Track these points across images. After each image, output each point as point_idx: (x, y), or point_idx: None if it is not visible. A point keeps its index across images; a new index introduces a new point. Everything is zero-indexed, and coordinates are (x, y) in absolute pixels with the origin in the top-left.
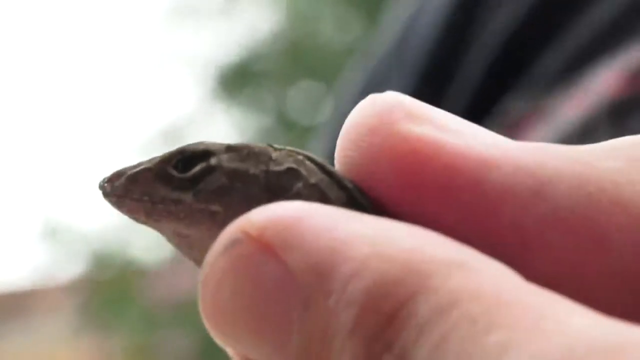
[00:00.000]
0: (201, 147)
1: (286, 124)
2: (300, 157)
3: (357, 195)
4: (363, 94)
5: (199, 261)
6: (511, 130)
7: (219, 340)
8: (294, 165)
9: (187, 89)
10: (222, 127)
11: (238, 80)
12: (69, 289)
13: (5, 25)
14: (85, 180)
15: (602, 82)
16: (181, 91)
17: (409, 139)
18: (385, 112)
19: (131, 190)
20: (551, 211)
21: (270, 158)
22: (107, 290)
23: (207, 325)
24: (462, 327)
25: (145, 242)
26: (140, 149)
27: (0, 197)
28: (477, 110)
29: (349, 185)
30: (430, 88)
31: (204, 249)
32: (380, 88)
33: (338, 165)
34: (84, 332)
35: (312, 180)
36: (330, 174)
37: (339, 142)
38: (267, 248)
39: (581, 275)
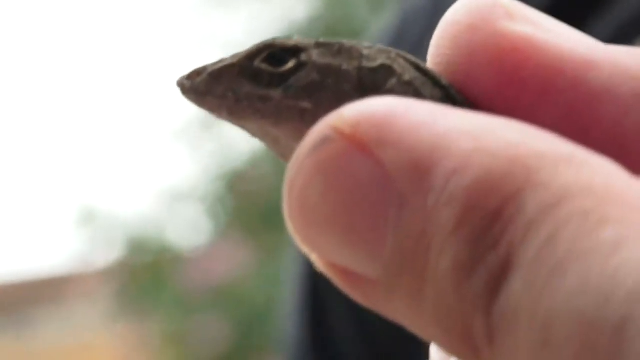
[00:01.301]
0: (291, 42)
1: None
2: (394, 55)
3: (453, 93)
4: (395, 45)
5: (286, 156)
6: None
7: (303, 246)
8: (387, 62)
9: None
10: None
11: None
12: (104, 275)
13: (39, 14)
14: (121, 166)
15: None
16: None
17: (510, 36)
18: (485, 10)
19: (214, 86)
20: None
21: (362, 54)
22: (143, 275)
23: (292, 230)
24: (573, 222)
25: (181, 228)
26: (176, 134)
27: (37, 183)
28: None
29: (445, 83)
30: None
31: (290, 148)
32: (415, 46)
33: (432, 65)
34: (119, 317)
35: (406, 77)
36: (424, 72)
37: (433, 40)
38: (360, 145)
39: None
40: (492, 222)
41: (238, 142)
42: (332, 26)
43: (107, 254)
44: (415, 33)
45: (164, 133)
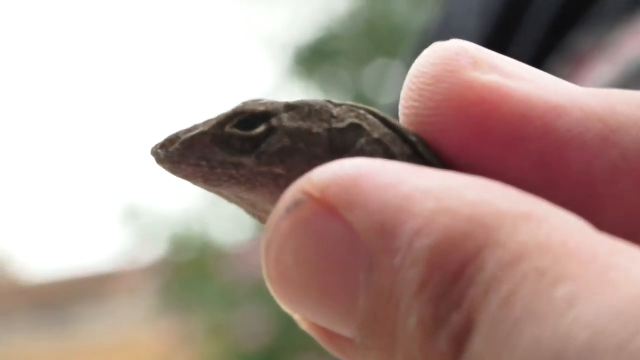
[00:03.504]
0: (260, 107)
1: (363, 103)
2: (362, 112)
3: (422, 149)
4: (440, 37)
5: (262, 219)
6: (574, 66)
7: (284, 306)
8: (356, 121)
9: (265, 68)
10: None
11: (315, 60)
12: (149, 271)
13: (81, 10)
14: None
15: None
16: (259, 70)
17: (476, 87)
18: (450, 60)
19: (187, 155)
20: (621, 158)
21: (331, 115)
22: (187, 272)
23: (272, 291)
24: (530, 280)
25: (224, 224)
26: None
27: (82, 181)
28: (548, 46)
29: (413, 139)
30: (506, 25)
31: (267, 212)
32: (458, 30)
33: (402, 117)
34: (164, 313)
35: (376, 135)
36: (393, 128)
37: (403, 92)
38: (329, 208)
39: None
40: (454, 282)
41: None
42: (372, 21)
43: (152, 251)
44: (458, 21)
45: None
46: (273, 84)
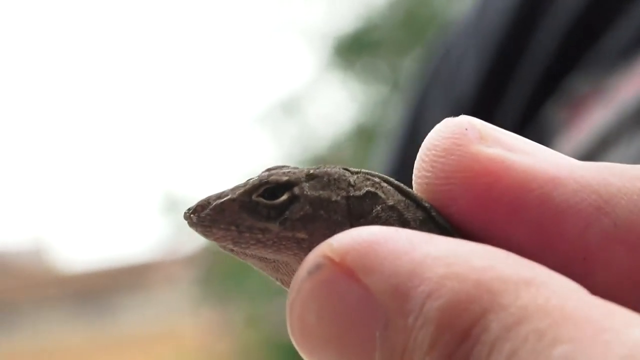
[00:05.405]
0: (284, 177)
1: (402, 93)
2: (377, 180)
3: (434, 215)
4: (439, 73)
5: (285, 282)
6: (572, 110)
7: (307, 359)
8: (372, 189)
9: (304, 59)
10: (339, 97)
11: (354, 50)
12: (188, 262)
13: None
14: (205, 153)
15: None
16: (298, 61)
17: (481, 159)
18: (458, 135)
19: (218, 220)
20: (613, 226)
21: (349, 183)
22: (226, 261)
23: (296, 346)
24: (530, 341)
25: None
26: (259, 119)
27: (122, 173)
28: (545, 88)
29: (426, 205)
30: (504, 66)
31: (290, 273)
32: (456, 67)
33: (415, 186)
34: (203, 303)
35: (390, 202)
36: (407, 195)
37: (416, 163)
38: (348, 272)
39: None
40: (461, 341)
41: (320, 127)
42: (411, 11)
43: (191, 241)
44: (457, 58)
45: (247, 119)
46: (313, 75)
